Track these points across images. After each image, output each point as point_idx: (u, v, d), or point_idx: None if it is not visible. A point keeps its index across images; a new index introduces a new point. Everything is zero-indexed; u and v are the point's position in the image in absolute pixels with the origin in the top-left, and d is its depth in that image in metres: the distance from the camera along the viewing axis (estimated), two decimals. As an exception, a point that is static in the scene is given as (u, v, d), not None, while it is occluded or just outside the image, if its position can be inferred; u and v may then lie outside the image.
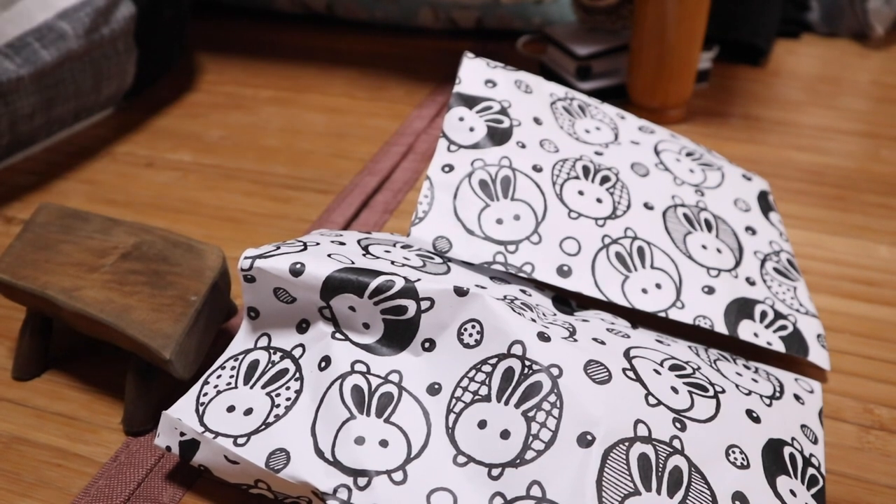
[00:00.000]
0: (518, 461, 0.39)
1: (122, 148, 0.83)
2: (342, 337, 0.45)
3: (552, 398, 0.40)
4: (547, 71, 0.93)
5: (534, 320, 0.44)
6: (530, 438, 0.39)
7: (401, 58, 1.03)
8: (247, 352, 0.47)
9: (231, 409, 0.44)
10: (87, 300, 0.48)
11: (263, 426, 0.42)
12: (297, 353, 0.45)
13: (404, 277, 0.44)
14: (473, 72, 0.59)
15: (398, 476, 0.40)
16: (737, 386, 0.46)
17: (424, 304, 0.44)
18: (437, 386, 0.43)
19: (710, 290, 0.53)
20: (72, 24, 0.72)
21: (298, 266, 0.45)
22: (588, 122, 0.61)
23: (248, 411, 0.43)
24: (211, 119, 0.88)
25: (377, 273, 0.44)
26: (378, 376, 0.43)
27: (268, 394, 0.44)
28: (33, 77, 0.69)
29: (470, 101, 0.57)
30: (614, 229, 0.54)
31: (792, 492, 0.42)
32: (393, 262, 0.47)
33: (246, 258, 0.46)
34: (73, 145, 0.83)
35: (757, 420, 0.44)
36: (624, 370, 0.43)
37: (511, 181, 0.54)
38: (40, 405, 0.52)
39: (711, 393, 0.44)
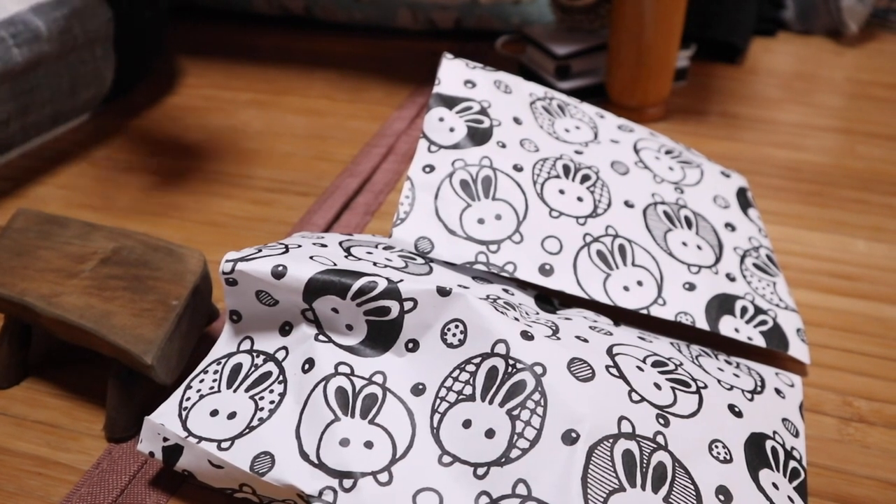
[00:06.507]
0: (503, 460, 0.39)
1: (101, 152, 0.82)
2: (325, 339, 0.45)
3: (536, 396, 0.40)
4: (526, 71, 0.94)
5: (517, 319, 0.45)
6: (515, 437, 0.39)
7: (380, 59, 1.03)
8: (229, 355, 0.46)
9: (214, 413, 0.43)
10: (66, 306, 0.48)
11: (247, 430, 0.42)
12: (280, 355, 0.45)
13: (387, 278, 0.44)
14: (453, 72, 0.59)
15: (384, 477, 0.39)
16: (719, 381, 0.47)
17: (407, 305, 0.44)
18: (421, 386, 0.43)
19: (691, 287, 0.54)
20: (45, 23, 0.71)
21: (280, 268, 0.44)
22: (568, 122, 0.61)
23: (232, 415, 0.43)
24: (190, 122, 0.88)
25: (360, 274, 0.44)
26: (362, 378, 0.43)
27: (251, 397, 0.44)
28: (6, 78, 0.68)
29: (450, 102, 0.57)
30: (595, 227, 0.54)
31: (774, 485, 0.42)
32: (375, 264, 0.47)
33: (227, 261, 0.46)
34: (50, 150, 0.82)
35: (739, 414, 0.44)
36: (607, 367, 0.43)
37: (492, 181, 0.54)
38: (20, 413, 0.51)
39: (694, 388, 0.45)
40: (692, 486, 0.40)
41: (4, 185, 0.76)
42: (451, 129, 0.56)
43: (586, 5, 0.86)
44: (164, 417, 0.44)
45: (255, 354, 0.46)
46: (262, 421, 0.42)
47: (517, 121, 0.58)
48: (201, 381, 0.45)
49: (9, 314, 0.51)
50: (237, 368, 0.46)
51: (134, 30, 0.87)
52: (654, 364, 0.45)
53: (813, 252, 0.66)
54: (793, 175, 0.77)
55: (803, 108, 0.90)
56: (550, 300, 0.53)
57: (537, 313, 0.49)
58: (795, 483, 0.43)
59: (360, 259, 0.47)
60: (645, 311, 0.52)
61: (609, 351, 0.45)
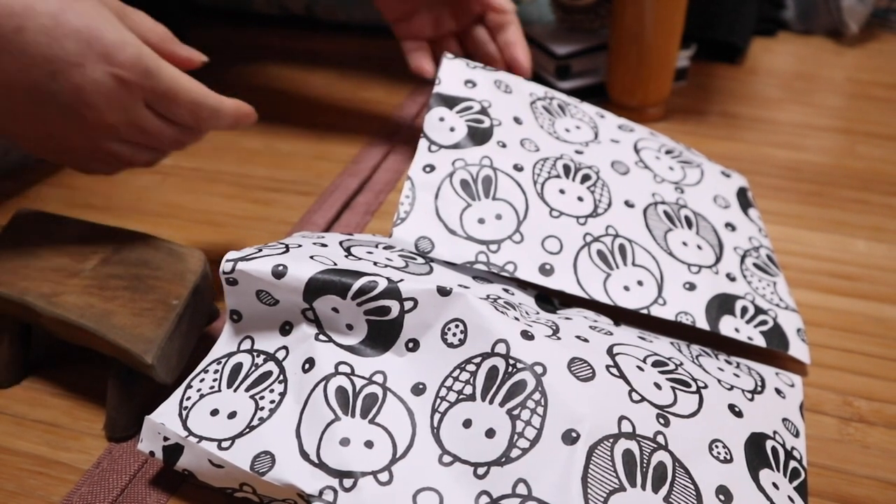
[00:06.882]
0: (503, 459, 0.39)
1: (100, 152, 0.82)
2: (326, 338, 0.45)
3: (536, 396, 0.40)
4: (526, 71, 0.94)
5: (517, 319, 0.45)
6: (515, 437, 0.39)
7: (380, 59, 1.03)
8: (230, 355, 0.46)
9: (215, 412, 0.43)
10: (66, 306, 0.48)
11: (248, 429, 0.42)
12: (280, 355, 0.45)
13: (387, 278, 0.44)
14: (453, 72, 0.59)
15: (384, 477, 0.39)
16: (719, 381, 0.47)
17: (408, 305, 0.44)
18: (421, 386, 0.43)
19: (692, 287, 0.54)
20: None
21: (281, 268, 0.44)
22: (568, 121, 0.61)
23: (232, 415, 0.43)
24: (190, 122, 0.88)
25: (360, 274, 0.44)
26: (362, 377, 0.43)
27: (252, 397, 0.44)
28: None
29: (450, 102, 0.57)
30: (596, 227, 0.54)
31: (774, 485, 0.42)
32: (375, 263, 0.47)
33: (227, 261, 0.46)
34: (49, 150, 0.82)
35: (739, 414, 0.44)
36: (607, 367, 0.43)
37: (492, 181, 0.54)
38: (20, 413, 0.51)
39: (694, 388, 0.45)
40: (692, 486, 0.40)
41: (3, 185, 0.76)
42: (452, 129, 0.56)
43: (586, 5, 0.86)
44: (165, 417, 0.44)
45: (255, 354, 0.46)
46: (262, 420, 0.42)
47: (517, 120, 0.58)
48: (201, 380, 0.45)
49: (9, 314, 0.51)
50: (237, 368, 0.46)
51: None
52: (655, 364, 0.45)
53: (813, 252, 0.66)
54: (793, 175, 0.77)
55: (803, 108, 0.90)
56: (551, 300, 0.53)
57: (537, 313, 0.49)
58: (796, 483, 0.43)
59: (360, 259, 0.47)
60: (645, 311, 0.52)
61: (609, 351, 0.45)
